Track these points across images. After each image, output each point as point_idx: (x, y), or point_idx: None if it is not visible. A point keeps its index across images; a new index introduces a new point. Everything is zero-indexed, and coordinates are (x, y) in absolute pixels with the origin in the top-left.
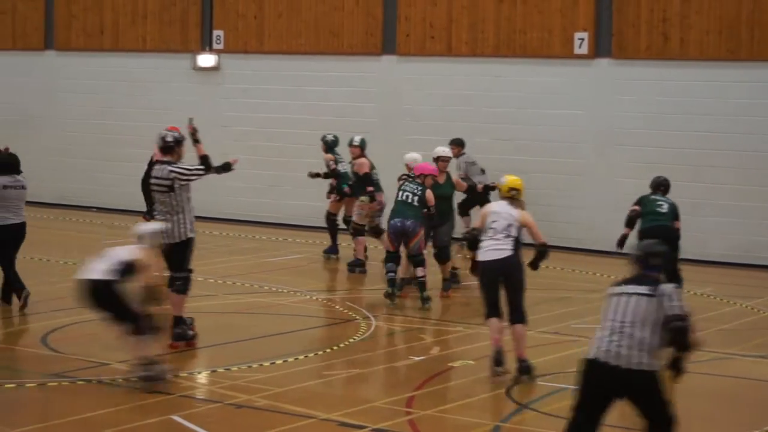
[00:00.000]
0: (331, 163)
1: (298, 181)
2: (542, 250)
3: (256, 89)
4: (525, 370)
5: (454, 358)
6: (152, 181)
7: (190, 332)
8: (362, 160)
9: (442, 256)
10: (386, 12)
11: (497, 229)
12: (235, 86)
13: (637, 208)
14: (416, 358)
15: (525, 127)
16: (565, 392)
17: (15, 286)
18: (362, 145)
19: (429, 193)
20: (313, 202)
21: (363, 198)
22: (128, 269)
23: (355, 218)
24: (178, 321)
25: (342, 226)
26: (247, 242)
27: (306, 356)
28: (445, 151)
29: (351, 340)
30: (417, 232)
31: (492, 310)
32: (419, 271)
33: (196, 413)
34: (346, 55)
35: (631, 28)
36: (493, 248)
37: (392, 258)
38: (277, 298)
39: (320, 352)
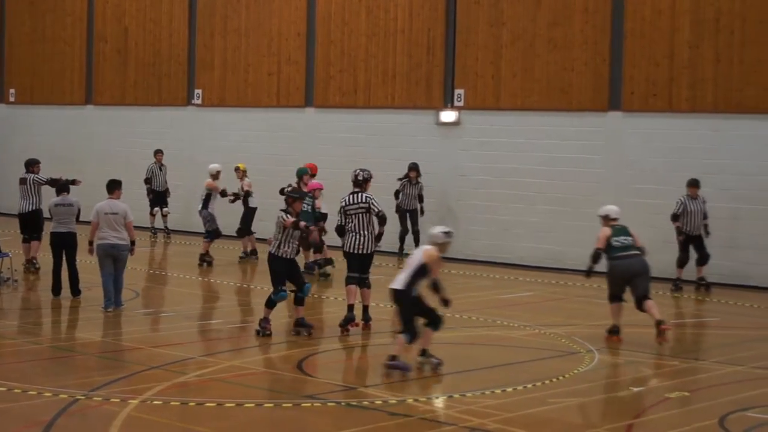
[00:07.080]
0: None
1: (532, 226)
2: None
3: (493, 142)
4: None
5: (670, 390)
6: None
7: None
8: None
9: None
10: (612, 71)
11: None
12: (473, 139)
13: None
14: (635, 389)
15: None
16: None
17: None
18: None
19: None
20: (548, 245)
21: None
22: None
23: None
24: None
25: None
26: (483, 280)
27: (534, 385)
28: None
29: (575, 371)
30: None
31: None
32: None
33: None
34: (575, 112)
35: None
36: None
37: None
38: (509, 331)
39: (547, 382)
